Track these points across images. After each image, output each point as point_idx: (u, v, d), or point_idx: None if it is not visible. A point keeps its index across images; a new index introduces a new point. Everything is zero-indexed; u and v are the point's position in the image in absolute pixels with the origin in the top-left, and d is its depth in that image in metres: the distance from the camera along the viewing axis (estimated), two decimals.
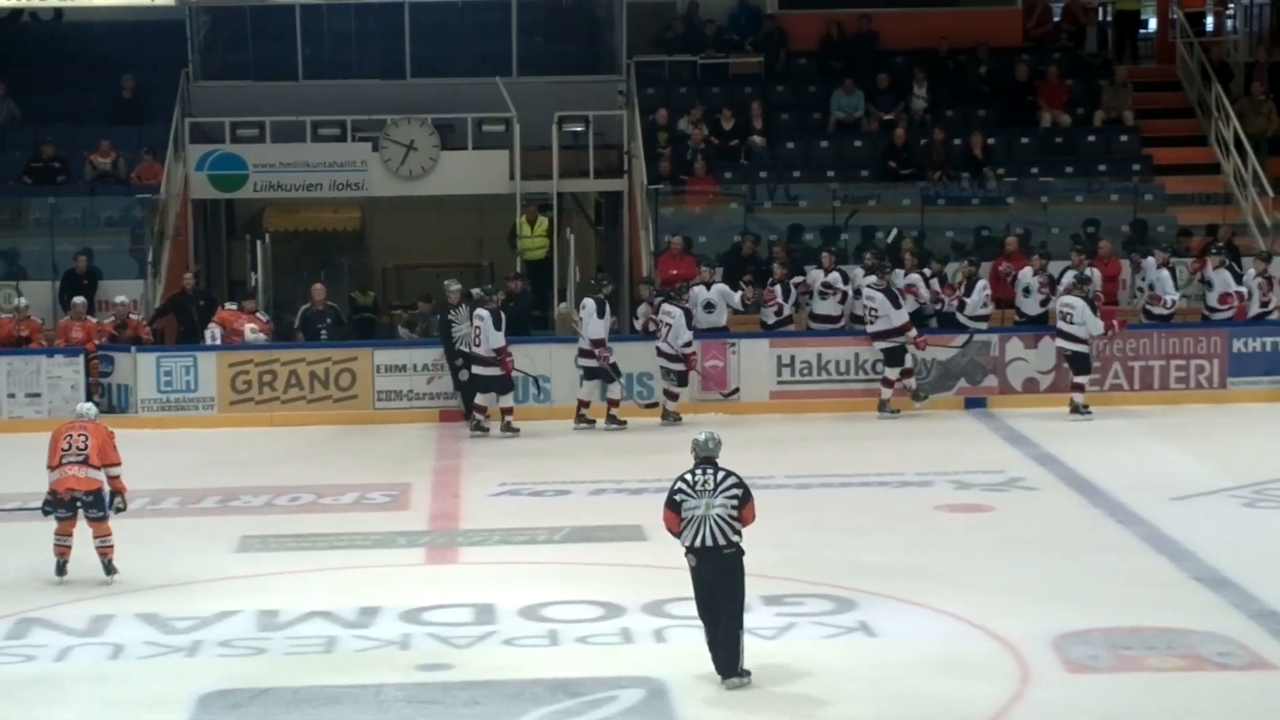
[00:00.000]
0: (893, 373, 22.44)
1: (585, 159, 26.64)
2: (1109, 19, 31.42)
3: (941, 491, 18.57)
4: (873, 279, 22.54)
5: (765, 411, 22.65)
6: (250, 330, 23.16)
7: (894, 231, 24.88)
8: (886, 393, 22.47)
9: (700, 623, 12.72)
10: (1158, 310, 23.28)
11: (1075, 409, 22.21)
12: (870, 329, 22.52)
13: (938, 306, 23.16)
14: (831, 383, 22.93)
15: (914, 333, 22.31)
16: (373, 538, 17.04)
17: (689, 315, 22.40)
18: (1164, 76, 29.26)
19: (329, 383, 22.79)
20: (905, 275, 23.25)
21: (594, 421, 22.24)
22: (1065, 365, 22.46)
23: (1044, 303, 23.20)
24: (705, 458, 12.85)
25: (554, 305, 25.40)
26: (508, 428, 21.95)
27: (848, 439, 21.41)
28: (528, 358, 22.59)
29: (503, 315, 21.86)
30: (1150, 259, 23.38)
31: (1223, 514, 17.45)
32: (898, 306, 22.36)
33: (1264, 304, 23.15)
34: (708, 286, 23.17)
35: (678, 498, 12.76)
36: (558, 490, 19.00)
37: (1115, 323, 22.35)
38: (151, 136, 26.69)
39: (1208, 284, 23.43)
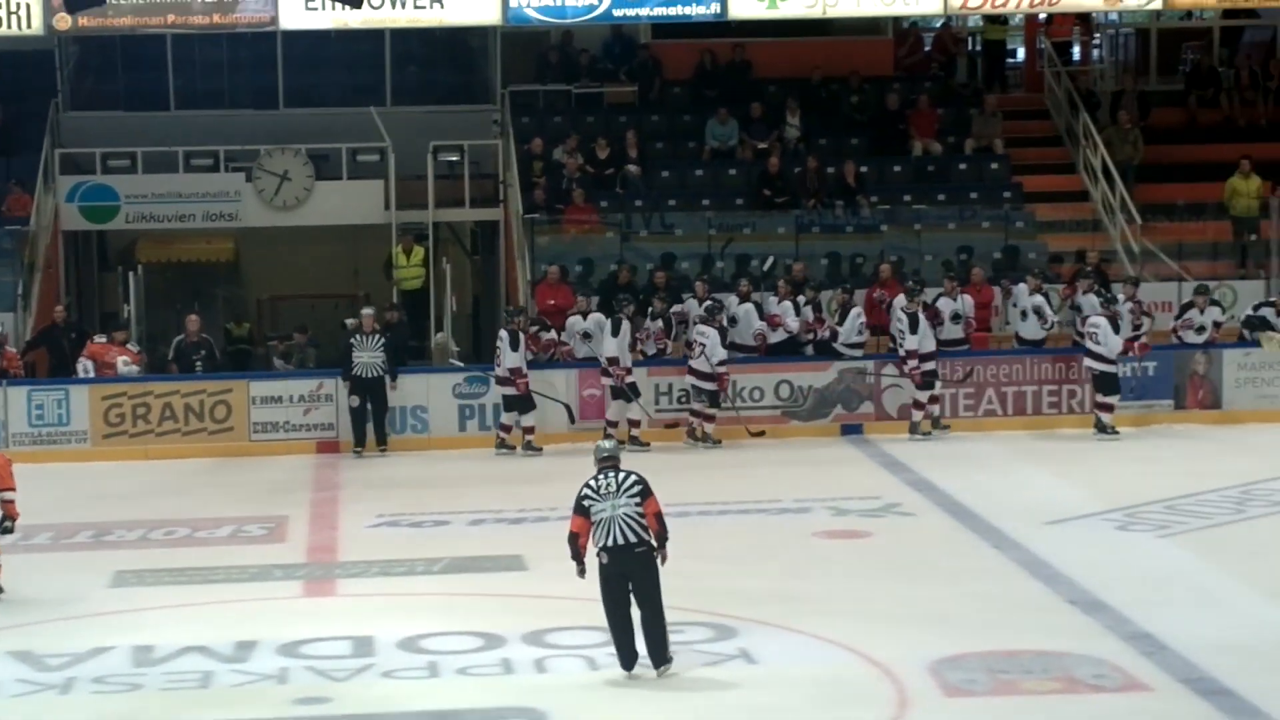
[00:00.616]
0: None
1: (461, 188, 26.56)
2: (978, 49, 31.71)
3: (819, 518, 18.65)
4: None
5: (645, 439, 22.64)
6: (123, 363, 22.91)
7: (770, 260, 24.98)
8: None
9: (609, 630, 13.37)
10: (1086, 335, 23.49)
11: (1102, 428, 22.43)
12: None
13: (810, 336, 23.25)
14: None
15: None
16: (249, 571, 16.90)
17: (724, 334, 22.55)
18: (1033, 105, 29.57)
19: (204, 415, 22.60)
20: (779, 303, 23.36)
21: (622, 442, 22.02)
22: (1091, 385, 22.69)
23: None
24: (608, 460, 13.57)
25: (431, 335, 25.29)
26: (529, 447, 22.21)
27: (726, 466, 21.46)
28: (549, 383, 22.73)
29: (521, 337, 22.18)
30: (1022, 285, 23.59)
31: (1096, 538, 17.61)
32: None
33: (1136, 328, 23.40)
34: (584, 316, 23.17)
35: (585, 503, 13.37)
36: (437, 521, 18.92)
37: (1136, 345, 22.57)
38: (21, 167, 26.36)
39: (1077, 309, 23.67)
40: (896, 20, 29.13)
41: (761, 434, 22.67)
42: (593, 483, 13.41)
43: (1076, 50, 32.37)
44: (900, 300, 23.06)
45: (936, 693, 12.93)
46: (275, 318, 29.27)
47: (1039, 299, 23.45)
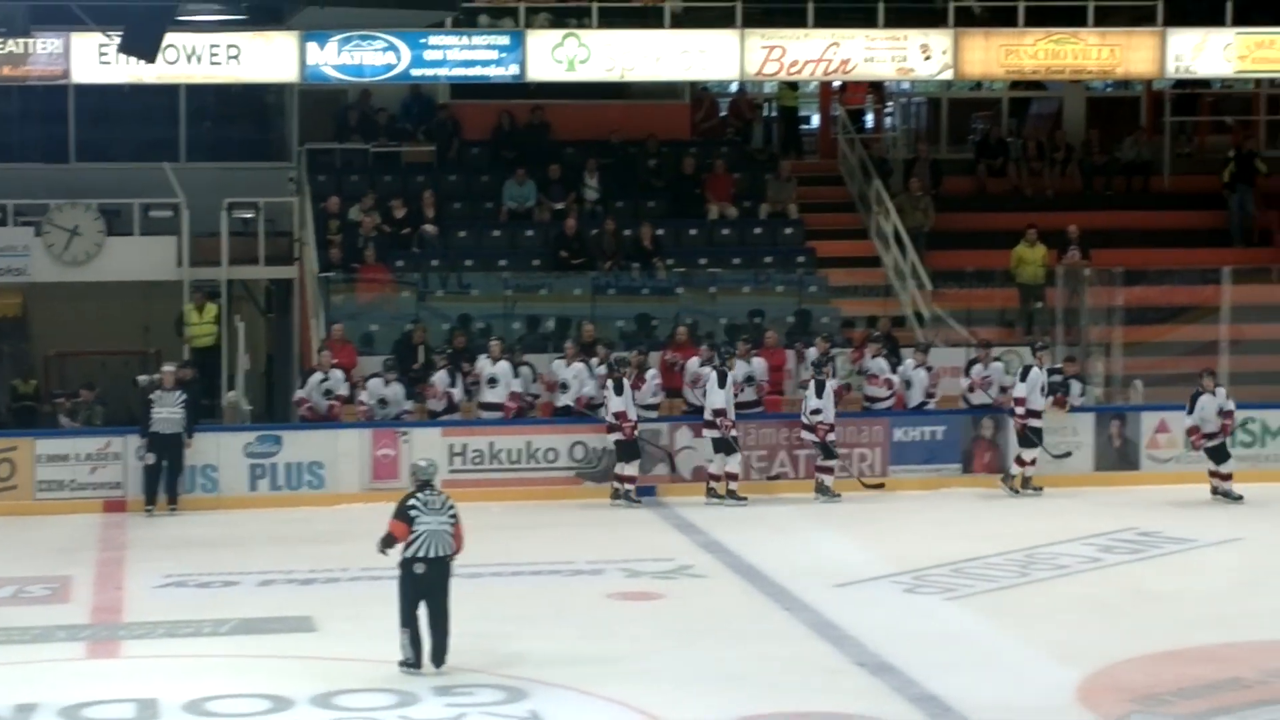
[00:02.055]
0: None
1: (255, 246, 26.36)
2: (774, 115, 32.08)
3: (613, 579, 18.67)
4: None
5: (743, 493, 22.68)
6: None
7: (550, 321, 25.05)
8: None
9: (404, 628, 14.83)
10: (874, 391, 23.85)
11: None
12: None
13: (604, 395, 23.32)
14: (504, 471, 22.95)
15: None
16: (31, 632, 16.57)
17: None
18: (827, 171, 29.92)
19: None
20: (567, 365, 23.41)
21: (723, 496, 22.60)
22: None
23: (930, 394, 23.78)
24: (426, 481, 15.16)
25: (223, 393, 25.03)
26: (628, 496, 22.53)
27: (520, 528, 21.39)
28: (658, 433, 22.93)
29: (625, 383, 22.57)
30: (813, 349, 23.85)
31: (884, 600, 17.80)
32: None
33: (929, 394, 23.73)
34: (385, 381, 23.07)
35: (412, 513, 14.90)
36: (226, 581, 18.67)
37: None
38: None
39: (865, 373, 23.98)
40: (693, 85, 29.41)
41: (880, 486, 23.06)
42: (420, 496, 14.98)
43: (870, 118, 32.85)
44: (695, 362, 23.27)
45: None
46: (63, 374, 28.77)
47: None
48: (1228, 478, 22.63)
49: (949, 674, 14.89)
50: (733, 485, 22.65)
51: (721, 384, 22.65)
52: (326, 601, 17.61)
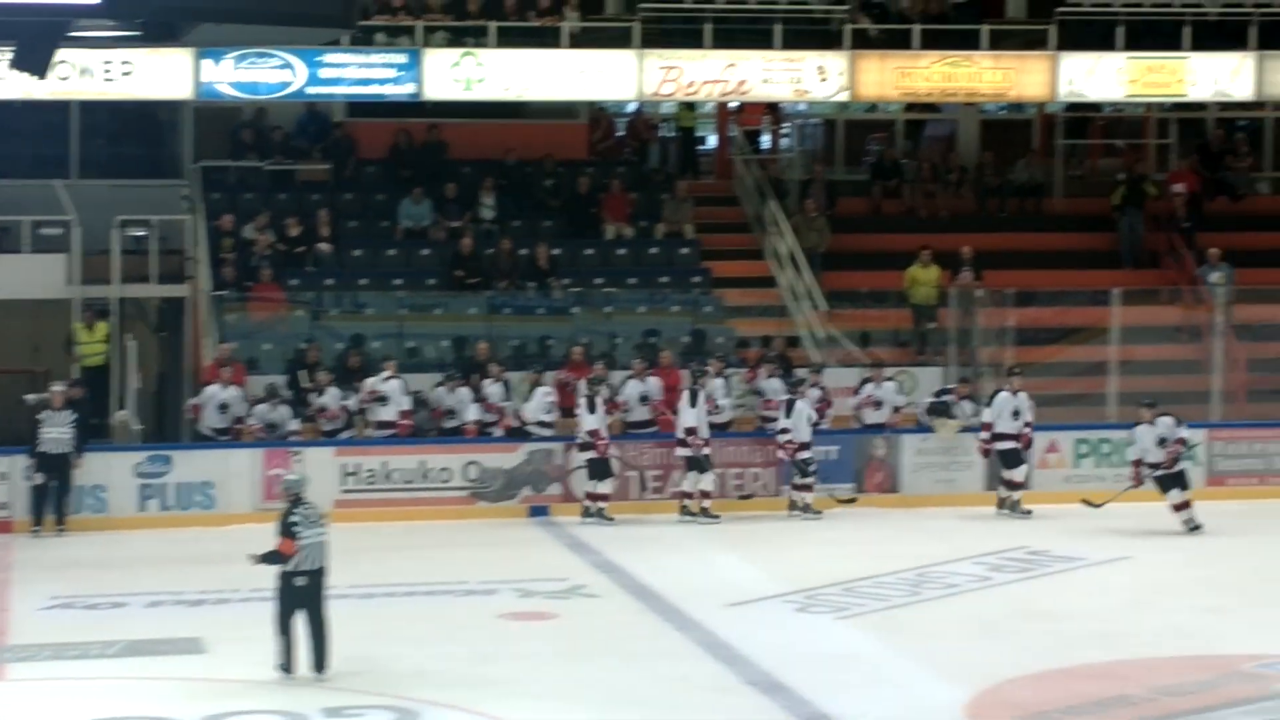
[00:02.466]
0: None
1: (147, 264, 26.12)
2: (671, 135, 32.16)
3: (505, 599, 18.64)
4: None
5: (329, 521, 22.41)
6: None
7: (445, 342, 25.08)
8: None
9: (281, 637, 15.15)
10: (767, 412, 23.87)
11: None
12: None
13: (495, 418, 23.32)
14: (398, 491, 22.88)
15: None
16: None
17: (591, 403, 22.76)
18: (723, 192, 30.03)
19: None
20: (450, 391, 23.38)
21: (695, 514, 22.75)
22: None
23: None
24: (298, 495, 15.46)
25: (113, 413, 24.80)
26: (600, 515, 22.65)
27: (413, 548, 21.34)
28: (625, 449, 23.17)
29: (598, 401, 22.74)
30: (708, 368, 23.91)
31: (776, 619, 17.87)
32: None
33: (820, 413, 23.82)
34: (272, 405, 22.97)
35: (295, 529, 15.17)
36: (114, 603, 18.51)
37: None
38: None
39: (759, 393, 24.08)
40: (590, 105, 29.46)
41: (852, 501, 23.09)
42: (298, 511, 15.29)
43: (767, 139, 33.00)
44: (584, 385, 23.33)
45: None
46: None
47: (718, 382, 23.80)
48: (1185, 506, 22.22)
49: (840, 693, 14.96)
50: (706, 503, 22.76)
51: (693, 403, 22.82)
52: (216, 623, 17.49)
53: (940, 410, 23.96)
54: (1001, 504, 23.19)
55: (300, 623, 15.19)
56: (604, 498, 22.76)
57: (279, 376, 23.73)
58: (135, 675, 15.65)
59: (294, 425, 23.07)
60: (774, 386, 23.84)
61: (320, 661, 15.25)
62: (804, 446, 22.97)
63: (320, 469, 22.41)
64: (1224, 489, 24.27)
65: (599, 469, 22.76)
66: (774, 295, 27.28)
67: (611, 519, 22.61)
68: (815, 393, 23.87)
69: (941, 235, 27.99)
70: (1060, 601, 18.66)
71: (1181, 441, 22.39)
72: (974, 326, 26.20)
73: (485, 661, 16.15)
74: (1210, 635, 17.18)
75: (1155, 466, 22.33)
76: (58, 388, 22.46)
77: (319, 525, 15.38)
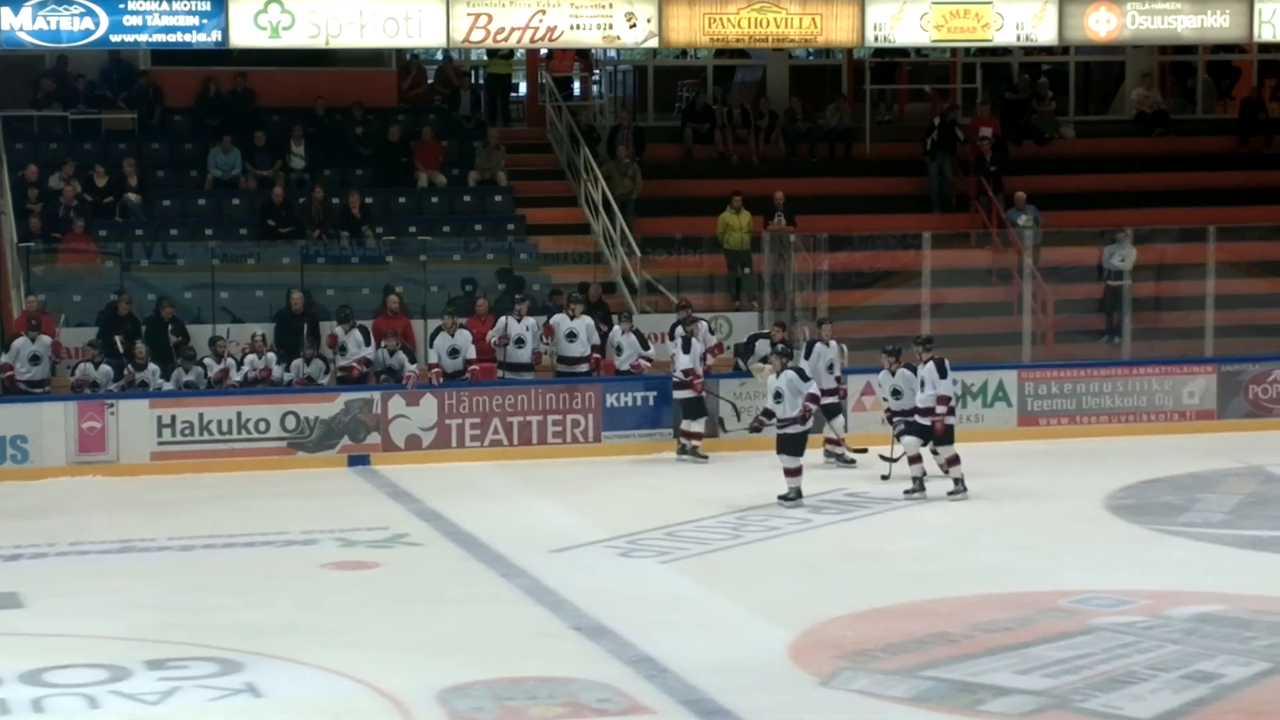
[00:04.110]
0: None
1: None
2: (482, 82, 32.05)
3: (327, 549, 18.58)
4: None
5: (146, 473, 22.22)
6: None
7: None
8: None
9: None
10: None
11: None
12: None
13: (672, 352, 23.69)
14: (214, 443, 22.67)
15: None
16: None
17: (687, 342, 23.18)
18: (535, 139, 30.01)
19: None
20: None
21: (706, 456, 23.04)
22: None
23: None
24: None
25: None
26: (695, 453, 22.98)
27: (231, 499, 21.17)
28: (715, 384, 23.58)
29: (693, 340, 23.20)
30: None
31: (600, 564, 17.96)
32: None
33: (644, 358, 23.88)
34: (95, 364, 22.68)
35: None
36: None
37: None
38: None
39: (571, 336, 24.07)
40: (400, 52, 29.25)
41: (863, 451, 22.71)
42: None
43: (577, 86, 32.97)
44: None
45: None
46: None
47: (529, 322, 23.83)
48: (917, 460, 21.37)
49: (664, 635, 15.07)
50: (696, 443, 23.10)
51: (686, 349, 23.17)
52: (34, 578, 17.27)
53: (752, 353, 24.05)
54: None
55: None
56: (698, 436, 23.08)
57: (90, 340, 23.36)
58: None
59: (114, 387, 22.75)
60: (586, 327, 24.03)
61: None
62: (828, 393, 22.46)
63: (136, 422, 22.20)
64: (1035, 429, 24.71)
65: (693, 407, 23.07)
66: (589, 242, 27.35)
67: (705, 457, 22.99)
68: (631, 338, 23.94)
69: (753, 181, 28.21)
70: (879, 542, 18.91)
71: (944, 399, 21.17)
72: (788, 271, 26.41)
73: (308, 611, 16.11)
74: (1025, 573, 17.48)
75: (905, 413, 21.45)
76: None
77: None
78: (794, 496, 20.48)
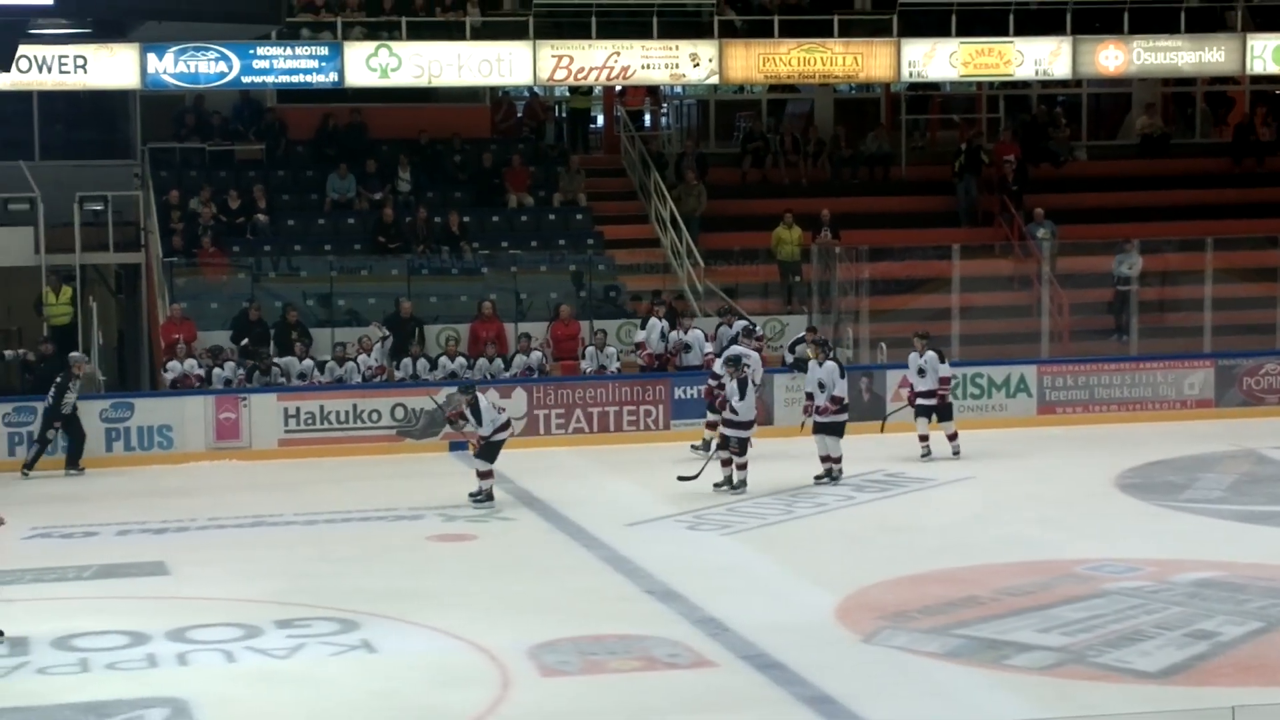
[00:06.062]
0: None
1: (105, 234, 25.86)
2: (564, 115, 32.10)
3: (431, 524, 18.65)
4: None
5: (274, 458, 22.35)
6: None
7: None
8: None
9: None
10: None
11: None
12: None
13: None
14: (333, 431, 22.77)
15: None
16: None
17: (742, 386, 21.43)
18: (611, 165, 29.99)
19: None
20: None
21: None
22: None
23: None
24: None
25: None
26: (705, 445, 21.38)
27: (348, 480, 21.26)
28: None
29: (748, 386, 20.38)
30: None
31: (669, 536, 17.98)
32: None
33: (709, 354, 23.78)
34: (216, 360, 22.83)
35: None
36: (86, 532, 18.41)
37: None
38: None
39: (688, 346, 23.95)
40: (493, 90, 29.34)
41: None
42: None
43: (648, 118, 32.97)
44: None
45: (534, 673, 13.06)
46: None
47: (695, 334, 23.86)
48: (925, 439, 22.04)
49: (726, 599, 15.08)
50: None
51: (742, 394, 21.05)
52: (177, 548, 17.44)
53: (802, 353, 23.88)
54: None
55: None
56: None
57: (226, 335, 23.50)
58: (108, 595, 15.61)
59: (240, 375, 22.94)
60: (698, 337, 23.86)
61: None
62: (925, 394, 22.12)
63: (266, 413, 22.37)
64: (1053, 417, 24.58)
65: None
66: (659, 255, 27.33)
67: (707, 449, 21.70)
68: (698, 335, 23.91)
69: (803, 200, 28.13)
70: (915, 517, 18.85)
71: (946, 380, 22.07)
72: (833, 279, 26.37)
73: (416, 577, 16.19)
74: (1044, 544, 17.41)
75: (920, 394, 22.04)
76: (78, 358, 22.27)
77: None
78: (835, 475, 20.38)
